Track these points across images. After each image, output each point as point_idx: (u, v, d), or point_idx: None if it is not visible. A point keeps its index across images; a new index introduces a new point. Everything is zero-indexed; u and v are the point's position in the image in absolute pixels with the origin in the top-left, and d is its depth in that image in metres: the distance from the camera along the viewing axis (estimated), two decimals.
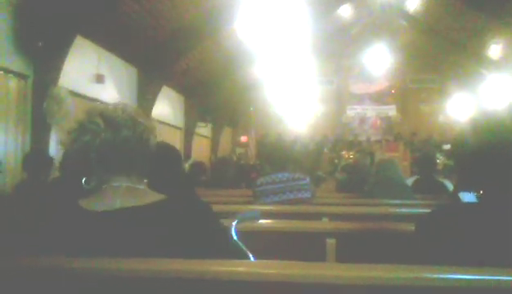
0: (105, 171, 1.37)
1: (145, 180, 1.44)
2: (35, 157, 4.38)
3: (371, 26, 15.30)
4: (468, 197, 2.75)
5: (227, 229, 1.59)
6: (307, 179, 3.44)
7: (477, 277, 1.11)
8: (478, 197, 1.36)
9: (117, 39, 8.47)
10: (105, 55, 8.62)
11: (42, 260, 1.22)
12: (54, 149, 6.75)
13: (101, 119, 1.35)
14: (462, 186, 3.57)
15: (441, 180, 5.09)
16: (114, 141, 1.34)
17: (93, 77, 8.22)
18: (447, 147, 14.73)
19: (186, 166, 6.86)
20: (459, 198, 2.84)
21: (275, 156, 3.49)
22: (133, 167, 1.39)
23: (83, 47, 7.72)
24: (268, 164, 3.54)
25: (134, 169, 1.39)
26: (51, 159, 4.42)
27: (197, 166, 6.64)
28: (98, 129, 1.34)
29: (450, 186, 4.78)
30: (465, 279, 1.10)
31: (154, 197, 1.37)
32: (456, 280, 1.11)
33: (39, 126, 6.47)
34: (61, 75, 6.76)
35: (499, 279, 1.10)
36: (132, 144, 1.36)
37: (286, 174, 3.37)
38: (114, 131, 1.34)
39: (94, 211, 1.30)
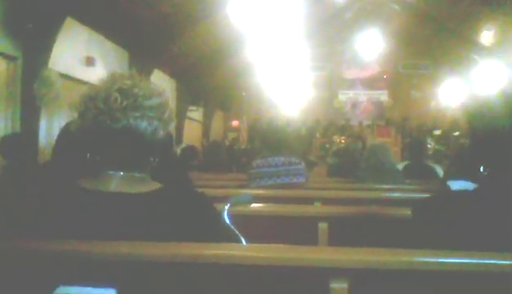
0: (101, 158, 1.35)
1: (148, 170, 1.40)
2: (12, 141, 4.32)
3: (364, 11, 15.24)
4: (457, 185, 2.78)
5: (222, 218, 1.58)
6: (302, 163, 3.46)
7: (469, 261, 1.12)
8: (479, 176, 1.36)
9: (108, 22, 8.36)
10: (96, 37, 8.52)
11: (36, 243, 1.21)
12: (44, 131, 6.71)
13: (103, 103, 1.29)
14: (453, 173, 3.60)
15: (431, 165, 5.12)
16: (113, 130, 1.29)
17: (83, 59, 8.13)
18: (438, 132, 14.85)
19: (178, 150, 6.84)
20: (448, 186, 2.86)
21: (271, 140, 3.50)
22: (132, 158, 1.35)
23: (73, 29, 7.62)
24: (265, 148, 3.55)
25: (133, 160, 1.35)
26: (27, 141, 4.38)
27: (188, 150, 6.63)
28: (98, 113, 1.29)
29: (440, 171, 4.81)
30: (457, 263, 1.11)
31: (151, 186, 1.35)
32: (449, 264, 1.12)
33: (29, 109, 6.41)
34: (51, 57, 6.68)
35: (491, 263, 1.11)
36: (134, 135, 1.31)
37: (282, 158, 3.39)
38: (114, 120, 1.28)
39: (89, 190, 1.30)
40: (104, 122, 1.29)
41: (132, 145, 1.33)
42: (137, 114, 1.30)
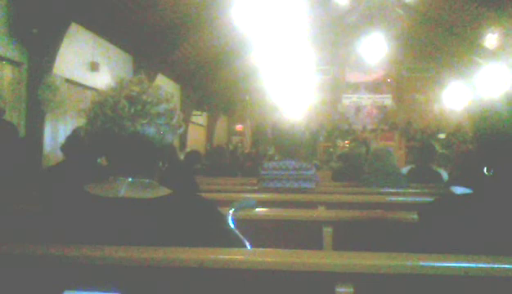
0: (111, 163, 1.35)
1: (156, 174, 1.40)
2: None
3: (368, 15, 15.24)
4: (459, 191, 2.77)
5: (226, 222, 1.58)
6: (313, 169, 3.46)
7: (476, 265, 1.11)
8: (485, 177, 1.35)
9: (112, 27, 8.41)
10: (100, 42, 8.56)
11: (41, 247, 1.21)
12: (49, 136, 6.73)
13: (111, 110, 1.29)
14: (455, 177, 3.59)
15: (436, 169, 5.10)
16: (121, 137, 1.29)
17: (88, 64, 8.17)
18: (443, 136, 14.82)
19: (182, 155, 6.85)
20: (451, 192, 2.85)
21: (286, 144, 3.51)
22: (141, 164, 1.35)
23: (78, 35, 7.66)
24: (278, 152, 3.58)
25: (142, 166, 1.36)
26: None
27: (192, 154, 6.64)
28: (106, 120, 1.30)
29: (445, 175, 4.79)
30: (464, 267, 1.11)
31: (159, 191, 1.35)
32: (455, 268, 1.11)
33: (34, 114, 6.44)
34: (56, 63, 6.72)
35: (498, 267, 1.10)
36: (143, 142, 1.31)
37: (293, 162, 3.40)
38: (122, 127, 1.29)
39: (98, 196, 1.30)
40: (112, 130, 1.30)
41: (140, 152, 1.33)
42: (145, 121, 1.30)
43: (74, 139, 2.97)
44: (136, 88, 1.33)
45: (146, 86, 1.36)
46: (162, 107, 1.34)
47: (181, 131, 1.42)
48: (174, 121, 1.37)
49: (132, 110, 1.29)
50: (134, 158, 1.34)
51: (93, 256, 1.18)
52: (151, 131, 1.31)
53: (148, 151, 1.34)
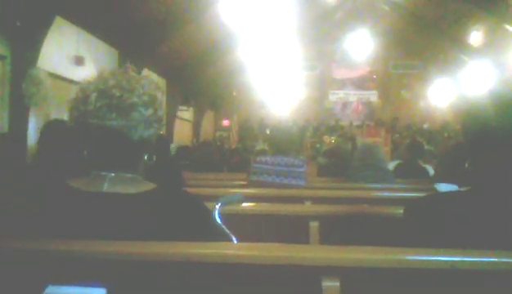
0: (93, 157, 1.34)
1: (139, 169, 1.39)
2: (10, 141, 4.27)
3: (354, 11, 15.30)
4: (444, 187, 2.80)
5: (213, 217, 1.58)
6: (305, 167, 3.45)
7: (460, 259, 1.12)
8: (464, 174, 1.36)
9: (97, 21, 8.31)
10: (85, 36, 8.46)
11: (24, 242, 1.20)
12: (33, 131, 6.65)
13: (82, 104, 1.29)
14: (440, 173, 3.61)
15: (422, 164, 5.15)
16: (91, 131, 1.29)
17: (73, 58, 8.07)
18: (426, 126, 14.98)
19: (172, 150, 6.82)
20: (435, 189, 2.87)
21: (280, 140, 3.51)
22: (118, 158, 1.34)
23: (63, 28, 7.56)
24: (271, 147, 3.57)
25: (121, 161, 1.34)
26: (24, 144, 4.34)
27: (182, 150, 6.62)
28: (79, 114, 1.29)
29: (431, 171, 4.83)
30: (448, 261, 1.12)
31: (143, 186, 1.34)
32: (439, 262, 1.12)
33: (17, 108, 6.35)
34: (40, 56, 6.63)
35: (482, 261, 1.11)
36: (112, 136, 1.29)
37: (285, 158, 3.39)
38: (89, 122, 1.28)
39: (81, 191, 1.28)
40: (84, 123, 1.29)
41: (115, 146, 1.32)
42: (112, 116, 1.28)
43: (47, 134, 2.90)
44: (112, 82, 1.31)
45: (122, 79, 1.33)
46: (131, 101, 1.30)
47: (158, 125, 1.38)
48: (147, 115, 1.33)
49: (98, 104, 1.28)
50: (112, 153, 1.33)
51: (77, 250, 1.17)
52: (120, 125, 1.29)
53: (124, 145, 1.32)
